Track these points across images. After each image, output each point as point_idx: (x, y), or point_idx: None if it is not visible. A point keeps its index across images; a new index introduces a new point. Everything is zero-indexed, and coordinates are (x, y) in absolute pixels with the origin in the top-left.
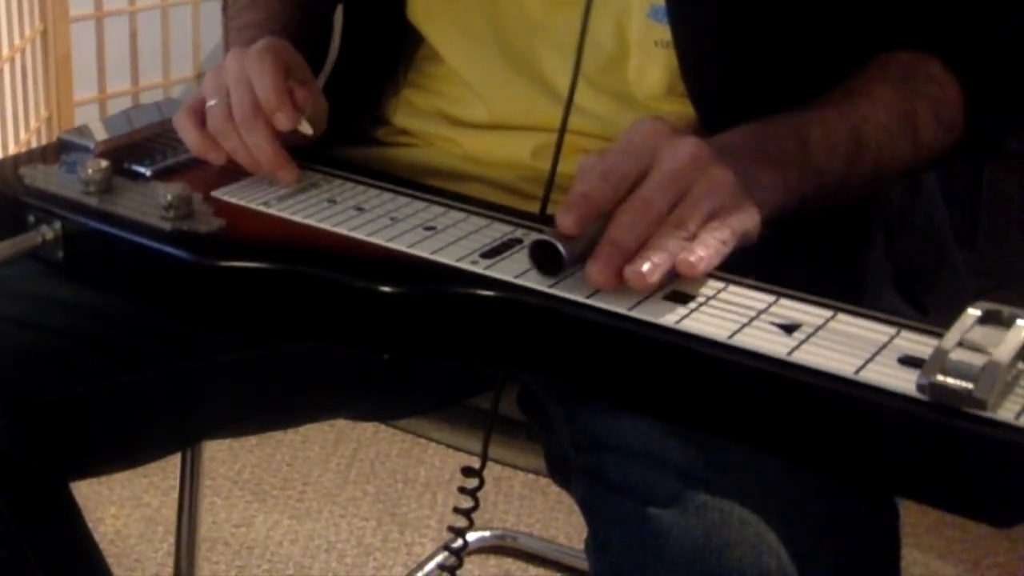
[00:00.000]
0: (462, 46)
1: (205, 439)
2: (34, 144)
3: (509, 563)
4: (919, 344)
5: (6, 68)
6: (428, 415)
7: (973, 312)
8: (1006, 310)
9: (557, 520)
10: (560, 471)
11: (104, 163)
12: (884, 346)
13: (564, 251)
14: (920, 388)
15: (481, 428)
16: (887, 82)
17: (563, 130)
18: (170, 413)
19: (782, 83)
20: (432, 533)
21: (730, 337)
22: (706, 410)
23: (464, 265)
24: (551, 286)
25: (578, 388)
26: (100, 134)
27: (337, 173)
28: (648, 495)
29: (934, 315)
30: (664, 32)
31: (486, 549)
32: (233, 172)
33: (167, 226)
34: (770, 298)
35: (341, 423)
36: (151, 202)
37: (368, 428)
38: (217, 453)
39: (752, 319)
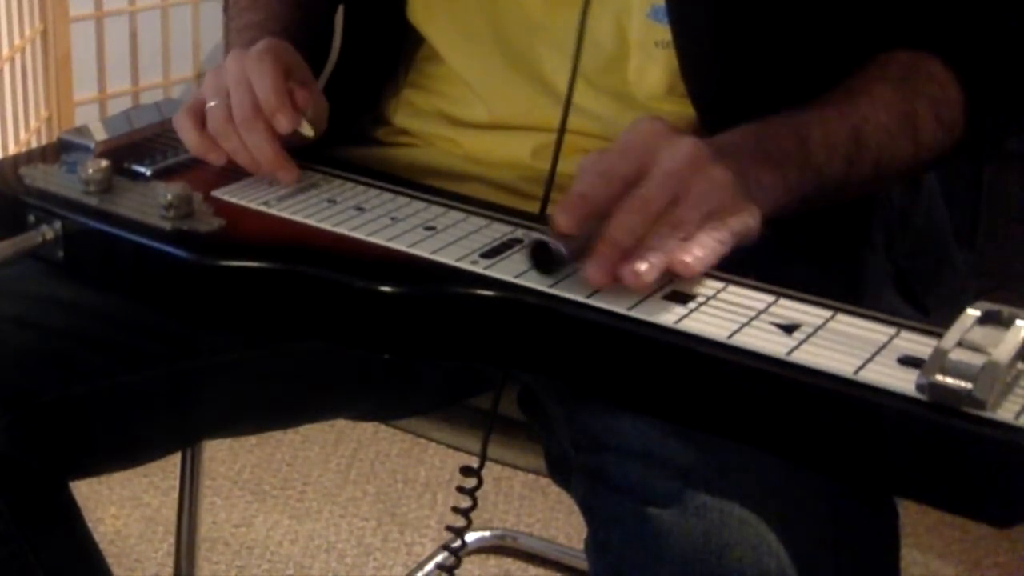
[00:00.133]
0: (462, 46)
1: (205, 439)
2: (34, 144)
3: (509, 563)
4: (919, 344)
5: (6, 68)
6: (428, 415)
7: (973, 312)
8: (1006, 310)
9: (557, 520)
10: (560, 471)
11: (104, 163)
12: (884, 346)
13: (562, 250)
14: (920, 388)
15: (481, 428)
16: (887, 82)
17: (563, 130)
18: (170, 413)
19: (782, 83)
20: (432, 533)
21: (730, 337)
22: (706, 410)
23: (464, 265)
24: (551, 286)
25: (578, 388)
26: (100, 134)
27: (337, 173)
28: (648, 495)
29: (934, 315)
30: (664, 32)
31: (486, 549)
32: (233, 172)
33: (167, 226)
34: (770, 298)
35: (341, 423)
36: (151, 202)
37: (368, 428)
38: (217, 453)
39: (752, 319)
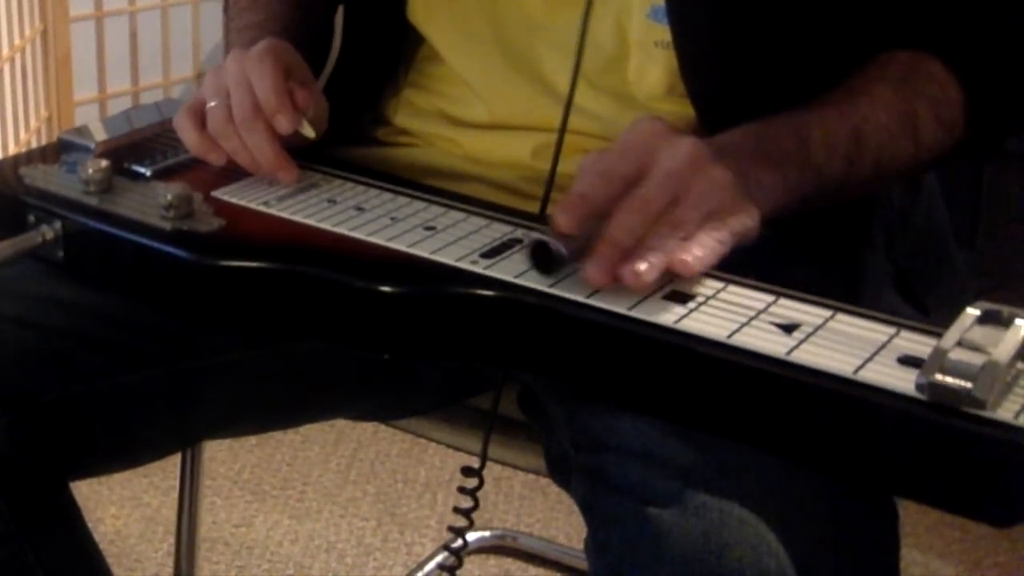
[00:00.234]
0: (462, 46)
1: (205, 439)
2: (34, 144)
3: (509, 563)
4: (918, 344)
5: (6, 68)
6: (428, 415)
7: (972, 312)
8: (1005, 310)
9: (557, 520)
10: (560, 471)
11: (104, 163)
12: (883, 346)
13: (562, 250)
14: (919, 388)
15: (481, 428)
16: (887, 82)
17: (563, 130)
18: (170, 413)
19: (782, 83)
20: (432, 533)
21: (729, 337)
22: (706, 410)
23: (464, 265)
24: (551, 286)
25: (578, 388)
26: (100, 134)
27: (337, 173)
28: (648, 495)
29: (934, 315)
30: (664, 32)
31: (486, 549)
32: (233, 172)
33: (167, 226)
34: (769, 298)
35: (341, 423)
36: (151, 202)
37: (368, 428)
38: (217, 453)
39: (751, 319)
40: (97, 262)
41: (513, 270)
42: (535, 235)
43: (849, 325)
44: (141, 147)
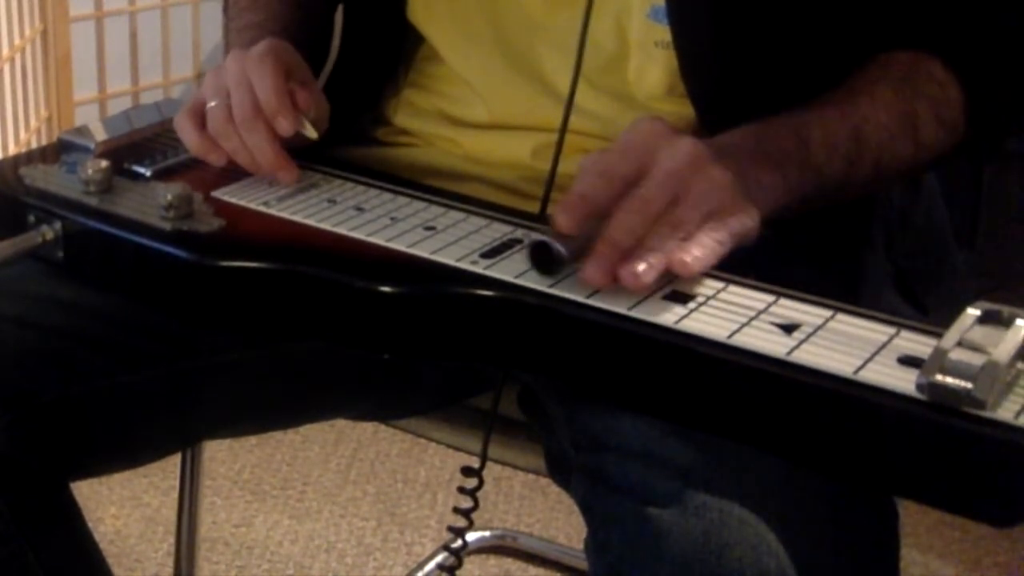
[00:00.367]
0: (462, 46)
1: (205, 439)
2: (34, 144)
3: (509, 563)
4: (918, 344)
5: (6, 68)
6: (428, 415)
7: (972, 312)
8: (1006, 310)
9: (557, 520)
10: (560, 471)
11: (104, 163)
12: (883, 346)
13: (562, 250)
14: (919, 388)
15: (481, 428)
16: (888, 82)
17: (563, 130)
18: (170, 413)
19: (782, 83)
20: (432, 533)
21: (729, 337)
22: (706, 410)
23: (464, 265)
24: (551, 286)
25: (578, 388)
26: (100, 134)
27: (337, 173)
28: (648, 495)
29: (934, 315)
30: (664, 32)
31: (486, 549)
32: (233, 172)
33: (167, 226)
34: (770, 298)
35: (341, 423)
36: (151, 202)
37: (368, 428)
38: (217, 453)
39: (752, 319)
40: (97, 262)
41: (513, 270)
42: (535, 235)
43: (849, 325)
44: (141, 147)
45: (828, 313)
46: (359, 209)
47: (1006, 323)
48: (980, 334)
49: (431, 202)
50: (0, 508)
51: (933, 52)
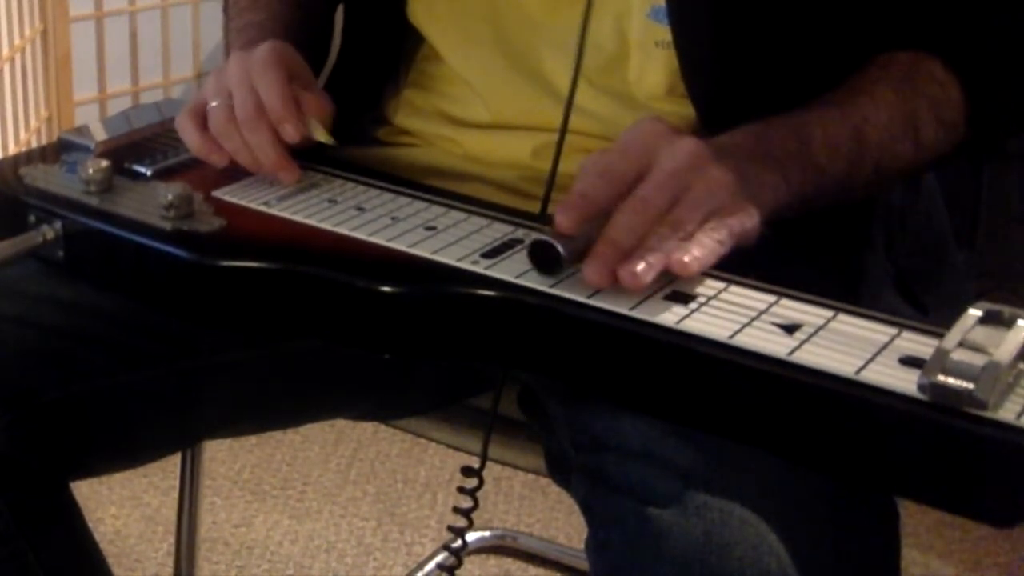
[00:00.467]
0: (462, 46)
1: (205, 439)
2: (34, 144)
3: (509, 563)
4: (920, 344)
5: (6, 68)
6: (428, 415)
7: (974, 312)
8: (1006, 310)
9: (557, 520)
10: (560, 471)
11: (104, 163)
12: (885, 346)
13: (562, 250)
14: (921, 388)
15: (481, 428)
16: (888, 82)
17: (563, 130)
18: (170, 413)
19: (782, 83)
20: (432, 533)
21: (731, 337)
22: (706, 410)
23: (465, 265)
24: (552, 286)
25: (578, 388)
26: (100, 134)
27: (338, 173)
28: (648, 495)
29: (934, 315)
30: (664, 32)
31: (486, 549)
32: (233, 172)
33: (167, 226)
34: (771, 298)
35: (341, 423)
36: (151, 202)
37: (368, 428)
38: (217, 453)
39: (753, 319)
40: (97, 262)
41: (514, 270)
42: (536, 235)
43: (851, 325)
44: (141, 147)
45: (829, 313)
46: (360, 209)
47: (1007, 323)
48: (981, 335)
49: (432, 202)
50: (0, 508)
51: (933, 53)
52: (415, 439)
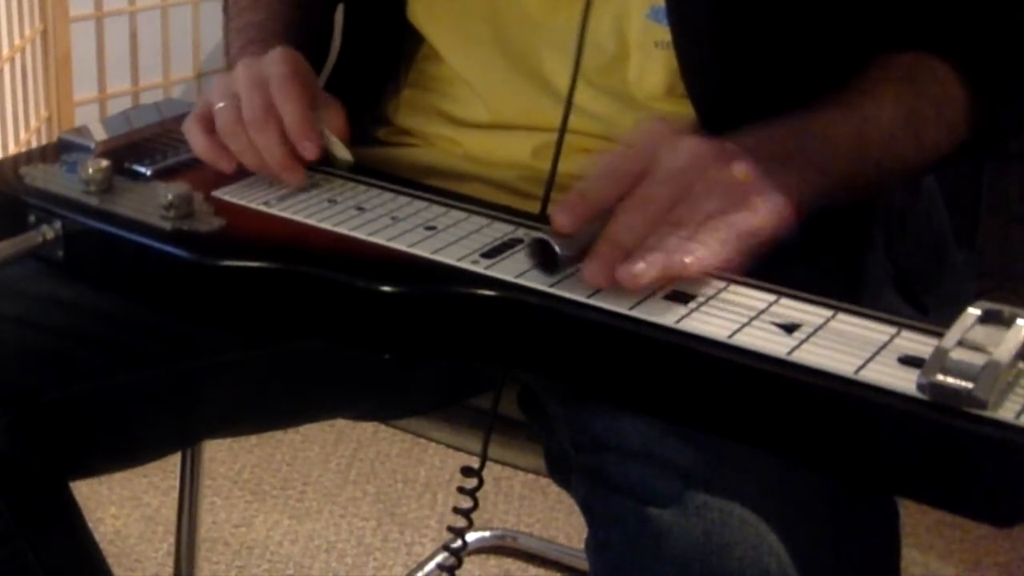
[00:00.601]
0: (462, 46)
1: (205, 439)
2: (34, 144)
3: (509, 563)
4: (919, 344)
5: (6, 68)
6: (428, 415)
7: (973, 312)
8: (1006, 310)
9: (557, 520)
10: (560, 471)
11: (104, 163)
12: (884, 346)
13: (559, 249)
14: (920, 388)
15: (481, 428)
16: (890, 82)
17: (563, 130)
18: (170, 413)
19: (782, 84)
20: (432, 533)
21: (730, 337)
22: (706, 410)
23: (465, 265)
24: (552, 286)
25: (578, 388)
26: (100, 134)
27: (337, 173)
28: (648, 495)
29: (934, 315)
30: (664, 33)
31: (486, 549)
32: (233, 172)
33: (167, 226)
34: (770, 298)
35: (341, 423)
36: (151, 202)
37: (368, 428)
38: (217, 453)
39: (752, 319)
40: (97, 262)
41: (514, 270)
42: (536, 235)
43: (850, 325)
44: (141, 147)
45: (829, 313)
46: (360, 209)
47: (1007, 323)
48: (981, 334)
49: (432, 202)
50: (0, 508)
51: (935, 52)
52: (415, 439)
